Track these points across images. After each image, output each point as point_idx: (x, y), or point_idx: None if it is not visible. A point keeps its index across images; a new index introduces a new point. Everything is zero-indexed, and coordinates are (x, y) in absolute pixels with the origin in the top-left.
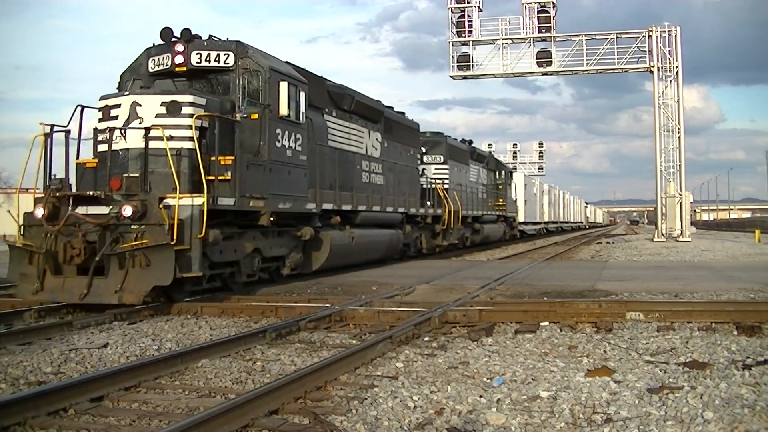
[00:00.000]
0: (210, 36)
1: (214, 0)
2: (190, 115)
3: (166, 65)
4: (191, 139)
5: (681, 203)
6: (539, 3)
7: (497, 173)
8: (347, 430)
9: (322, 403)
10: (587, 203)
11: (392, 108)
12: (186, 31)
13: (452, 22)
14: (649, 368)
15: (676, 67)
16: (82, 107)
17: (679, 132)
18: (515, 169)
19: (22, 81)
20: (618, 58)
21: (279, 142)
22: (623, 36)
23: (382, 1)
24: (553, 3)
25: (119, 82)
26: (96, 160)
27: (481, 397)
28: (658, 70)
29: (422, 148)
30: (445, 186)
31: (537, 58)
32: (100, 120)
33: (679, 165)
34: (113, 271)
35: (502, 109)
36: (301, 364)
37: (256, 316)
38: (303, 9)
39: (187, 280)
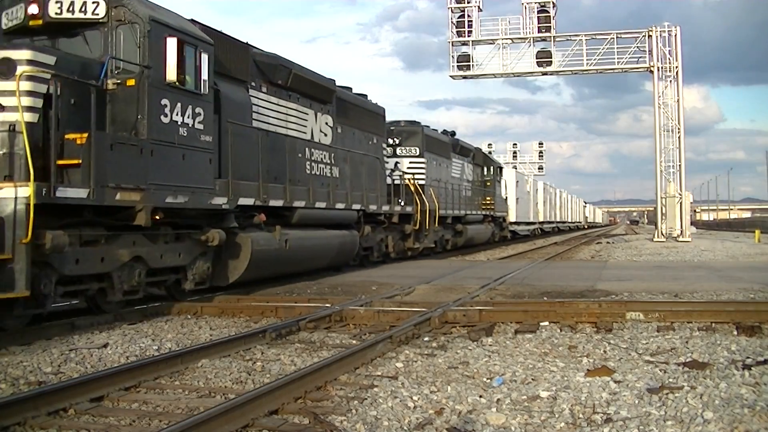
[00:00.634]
0: None
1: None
2: (30, 78)
3: (20, 19)
4: (32, 109)
5: (681, 203)
6: (539, 3)
7: (485, 169)
8: (347, 430)
9: (322, 403)
10: (586, 203)
11: (350, 89)
12: None
13: (452, 22)
14: (649, 368)
15: (676, 67)
16: None
17: (679, 132)
18: (516, 167)
19: None
20: (618, 58)
21: (166, 116)
22: (623, 36)
23: (382, 1)
24: (553, 3)
25: None
26: None
27: (481, 397)
28: (658, 70)
29: (396, 138)
30: (421, 182)
31: (537, 58)
32: None
33: (679, 165)
34: None
35: (502, 109)
36: (301, 364)
37: (256, 316)
38: (303, 9)
39: (17, 301)
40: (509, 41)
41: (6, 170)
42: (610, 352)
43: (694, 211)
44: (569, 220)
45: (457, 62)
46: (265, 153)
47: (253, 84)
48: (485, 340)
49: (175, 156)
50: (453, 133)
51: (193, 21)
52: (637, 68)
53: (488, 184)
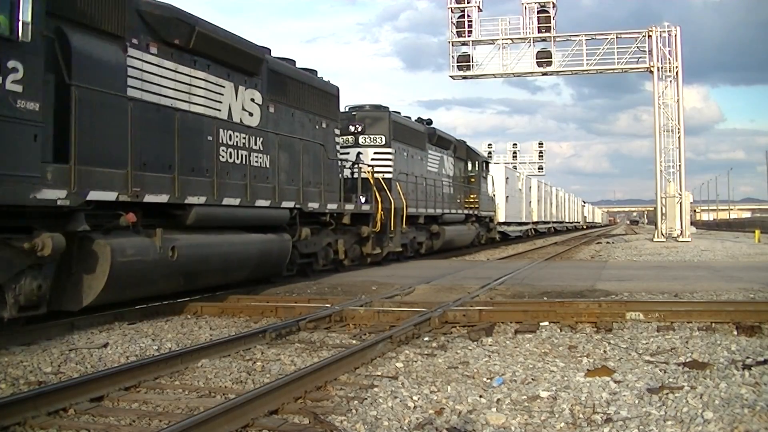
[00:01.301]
0: None
1: (215, 0)
2: None
3: None
4: None
5: (681, 203)
6: (539, 3)
7: (468, 163)
8: (347, 430)
9: (322, 403)
10: (585, 202)
11: (293, 62)
12: None
13: (452, 22)
14: (649, 368)
15: (676, 67)
16: None
17: (679, 132)
18: (516, 167)
19: None
20: (618, 58)
21: None
22: (623, 36)
23: (382, 1)
24: (552, 3)
25: None
26: None
27: (481, 397)
28: (658, 70)
29: (358, 125)
30: (388, 176)
31: (537, 58)
32: None
33: (679, 165)
34: None
35: (502, 109)
36: (301, 364)
37: (256, 316)
38: (303, 9)
39: None
40: (509, 41)
41: None
42: (610, 352)
43: (694, 211)
44: (567, 220)
45: (457, 62)
46: (145, 132)
47: (134, 41)
48: (485, 340)
49: None
50: (429, 122)
51: None
52: (637, 68)
53: (472, 180)
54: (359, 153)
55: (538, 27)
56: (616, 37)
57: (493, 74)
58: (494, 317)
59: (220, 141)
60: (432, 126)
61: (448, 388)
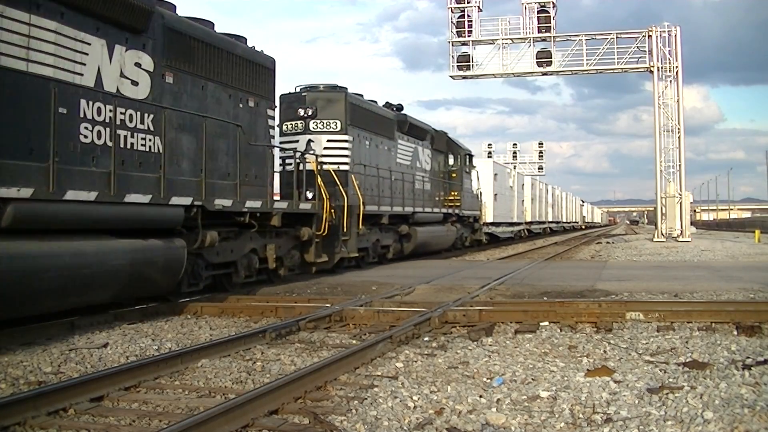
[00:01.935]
0: None
1: (216, 0)
2: None
3: None
4: None
5: (681, 203)
6: (539, 3)
7: (450, 157)
8: (347, 430)
9: (322, 403)
10: (584, 201)
11: (211, 24)
12: None
13: (452, 22)
14: (649, 368)
15: (676, 67)
16: None
17: (679, 132)
18: (516, 167)
19: None
20: (618, 58)
21: None
22: (623, 36)
23: (382, 1)
24: (553, 3)
25: None
26: None
27: (481, 397)
28: (658, 70)
29: (308, 108)
30: (344, 167)
31: (537, 58)
32: None
33: (679, 165)
34: None
35: (502, 109)
36: (301, 364)
37: (256, 316)
38: (303, 9)
39: None
40: (509, 41)
41: None
42: (610, 352)
43: (694, 211)
44: (564, 220)
45: (457, 62)
46: None
47: None
48: (485, 340)
49: None
50: (400, 107)
51: None
52: (637, 68)
53: (454, 175)
54: (310, 140)
55: (538, 27)
56: (616, 37)
57: (493, 74)
58: (494, 317)
59: (83, 115)
60: (403, 113)
61: (448, 388)
